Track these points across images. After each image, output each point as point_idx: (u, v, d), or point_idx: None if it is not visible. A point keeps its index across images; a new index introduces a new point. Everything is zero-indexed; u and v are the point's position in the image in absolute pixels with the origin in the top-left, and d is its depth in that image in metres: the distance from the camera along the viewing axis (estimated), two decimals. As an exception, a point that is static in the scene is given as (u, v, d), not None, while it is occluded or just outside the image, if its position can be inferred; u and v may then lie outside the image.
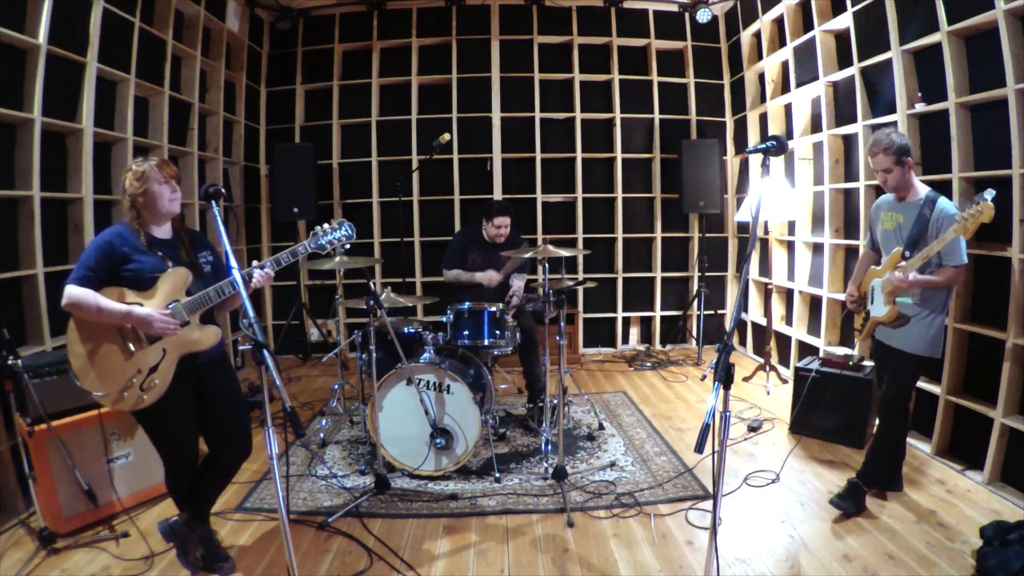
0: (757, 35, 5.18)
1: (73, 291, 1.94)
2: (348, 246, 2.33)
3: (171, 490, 2.30)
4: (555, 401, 3.34)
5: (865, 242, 2.99)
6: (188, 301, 2.08)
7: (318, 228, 2.29)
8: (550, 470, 2.99)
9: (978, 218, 2.21)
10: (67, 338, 2.01)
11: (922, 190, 2.58)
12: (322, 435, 3.58)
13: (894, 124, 3.48)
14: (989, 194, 2.21)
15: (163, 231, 2.16)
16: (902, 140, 2.52)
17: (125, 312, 1.97)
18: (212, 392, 2.22)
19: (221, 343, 2.22)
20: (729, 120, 5.79)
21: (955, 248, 2.40)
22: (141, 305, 2.01)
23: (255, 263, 2.17)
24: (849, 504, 2.60)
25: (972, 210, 2.24)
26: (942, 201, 2.49)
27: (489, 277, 3.78)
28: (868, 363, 3.57)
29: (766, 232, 5.03)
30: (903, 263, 2.48)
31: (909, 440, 3.39)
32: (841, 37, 4.11)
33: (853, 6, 3.76)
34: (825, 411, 3.43)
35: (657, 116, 5.69)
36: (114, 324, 2.00)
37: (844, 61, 4.04)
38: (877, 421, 2.74)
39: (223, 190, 2.04)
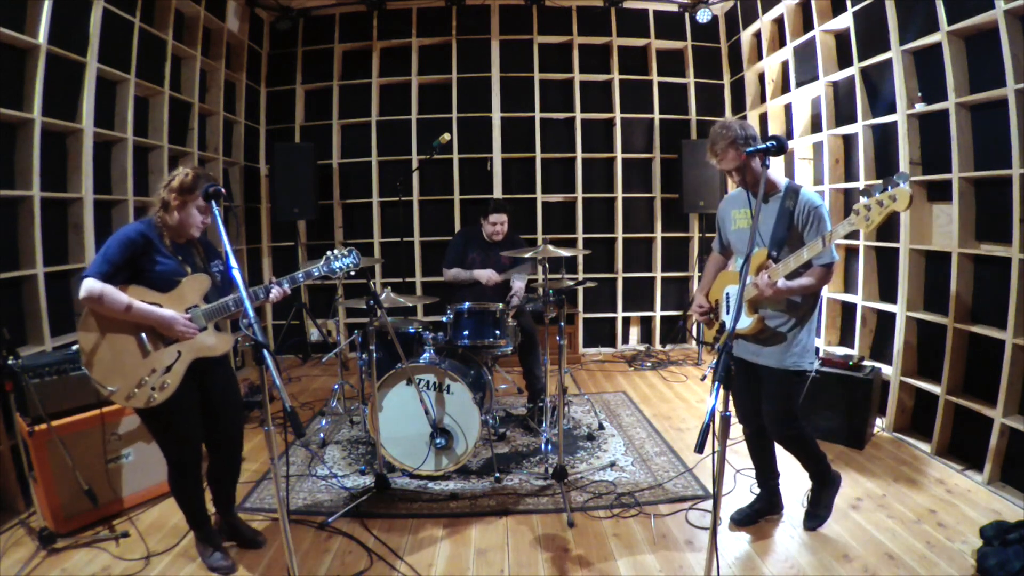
0: (757, 35, 5.18)
1: (94, 285, 1.94)
2: (353, 273, 2.43)
3: (173, 490, 2.30)
4: (555, 401, 3.34)
5: (713, 245, 2.65)
6: (207, 308, 2.13)
7: (329, 253, 2.38)
8: (550, 470, 2.98)
9: (889, 207, 1.83)
10: (80, 330, 2.02)
11: (781, 181, 2.29)
12: (322, 435, 3.57)
13: (894, 124, 3.48)
14: (902, 178, 1.82)
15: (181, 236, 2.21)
16: (747, 130, 2.21)
17: (148, 312, 2.00)
18: (212, 390, 2.25)
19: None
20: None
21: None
22: (160, 306, 2.04)
23: (272, 279, 2.24)
24: (822, 515, 2.51)
25: (878, 197, 1.85)
26: (805, 191, 2.23)
27: (488, 275, 3.78)
28: (868, 363, 3.57)
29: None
30: (772, 266, 2.18)
31: (909, 440, 3.40)
32: (841, 37, 4.11)
33: (853, 6, 3.76)
34: (825, 411, 3.42)
35: (657, 116, 5.69)
36: (134, 322, 2.02)
37: (844, 61, 4.04)
38: (788, 450, 2.47)
39: (223, 190, 2.06)
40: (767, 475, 2.62)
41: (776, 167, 4.79)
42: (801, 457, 2.49)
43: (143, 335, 2.05)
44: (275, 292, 2.21)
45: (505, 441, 3.54)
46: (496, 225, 3.83)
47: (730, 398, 1.64)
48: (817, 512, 2.54)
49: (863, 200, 1.90)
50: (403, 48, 5.59)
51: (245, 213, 5.50)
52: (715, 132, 2.25)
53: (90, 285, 1.94)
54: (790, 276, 2.18)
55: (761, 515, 2.60)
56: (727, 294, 2.45)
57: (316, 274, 2.34)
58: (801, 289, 2.20)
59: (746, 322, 2.31)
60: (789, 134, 4.73)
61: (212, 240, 2.40)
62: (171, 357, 2.08)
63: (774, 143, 1.99)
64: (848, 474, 2.88)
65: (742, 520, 2.57)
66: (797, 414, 2.39)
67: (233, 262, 1.89)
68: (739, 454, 3.29)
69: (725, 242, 2.56)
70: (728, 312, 2.44)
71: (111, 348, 2.02)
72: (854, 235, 3.97)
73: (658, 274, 5.77)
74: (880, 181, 1.87)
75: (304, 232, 5.69)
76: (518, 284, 3.81)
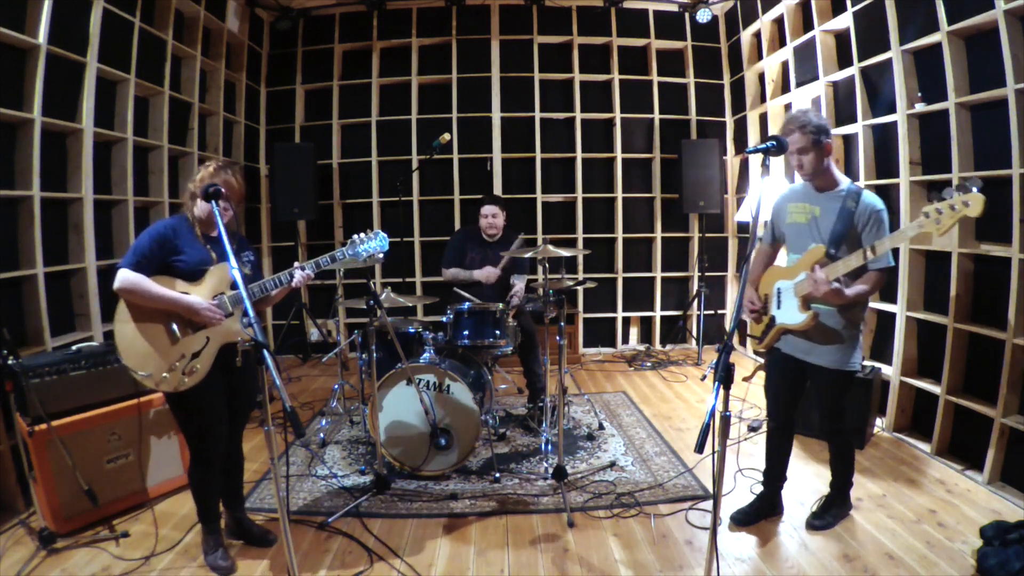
0: (757, 35, 5.18)
1: (127, 275, 2.04)
2: (381, 257, 2.42)
3: (193, 482, 2.31)
4: (555, 401, 3.33)
5: (762, 236, 2.63)
6: (233, 294, 2.19)
7: (355, 236, 2.38)
8: (550, 470, 2.98)
9: (962, 212, 1.84)
10: (115, 319, 2.10)
11: (843, 181, 2.32)
12: (322, 435, 3.57)
13: (894, 124, 3.49)
14: (975, 184, 1.84)
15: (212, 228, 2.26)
16: (820, 120, 2.24)
17: (174, 298, 2.08)
18: (234, 383, 2.29)
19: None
20: (729, 120, 5.79)
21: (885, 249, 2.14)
22: (188, 295, 2.12)
23: (296, 264, 2.29)
24: (827, 523, 2.53)
25: (951, 201, 1.86)
26: (867, 194, 2.25)
27: (487, 274, 3.78)
28: (868, 363, 3.57)
29: (766, 232, 5.02)
30: (828, 264, 2.20)
31: (909, 440, 3.40)
32: (841, 37, 4.11)
33: (853, 6, 3.76)
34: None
35: (657, 116, 5.69)
36: (163, 309, 2.10)
37: (844, 61, 4.04)
38: (830, 445, 2.54)
39: (223, 190, 2.07)
40: (775, 475, 2.63)
41: (777, 166, 4.79)
42: (837, 458, 2.53)
43: (173, 323, 2.12)
44: (299, 276, 2.26)
45: (505, 441, 3.54)
46: (488, 218, 3.82)
47: (730, 397, 1.64)
48: (824, 518, 2.55)
49: (934, 204, 1.90)
50: (403, 48, 5.59)
51: (245, 213, 5.49)
52: (792, 114, 2.28)
53: (123, 275, 2.03)
54: (848, 276, 2.22)
55: (762, 515, 2.61)
56: (778, 289, 2.43)
57: (341, 258, 2.36)
58: (856, 296, 2.22)
59: (799, 318, 2.32)
60: (789, 134, 4.72)
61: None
62: (200, 343, 2.15)
63: (774, 143, 1.99)
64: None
65: (742, 520, 2.58)
66: (846, 411, 2.45)
67: (233, 262, 1.91)
68: (739, 454, 3.29)
69: (777, 234, 2.55)
70: (779, 307, 2.43)
71: (143, 335, 2.10)
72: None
73: (658, 274, 5.77)
74: (951, 186, 1.89)
75: (304, 232, 5.70)
76: (518, 284, 3.81)
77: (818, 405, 2.44)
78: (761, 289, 2.53)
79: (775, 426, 2.59)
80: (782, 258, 2.56)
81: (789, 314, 2.37)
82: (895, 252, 2.53)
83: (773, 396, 2.57)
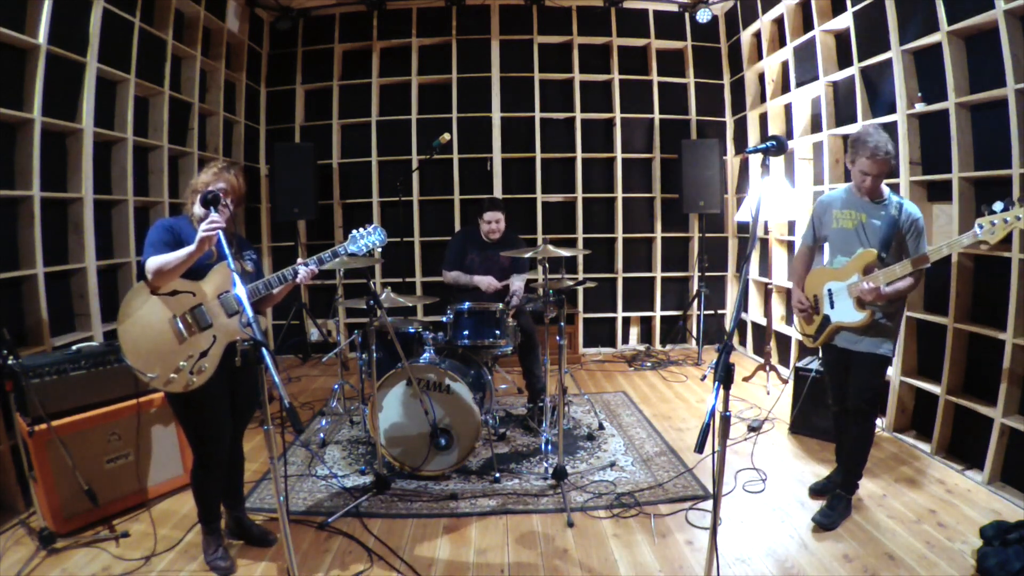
0: (757, 35, 5.18)
1: (153, 260, 2.04)
2: (380, 250, 2.47)
3: (195, 484, 2.30)
4: (555, 401, 3.33)
5: (804, 238, 2.82)
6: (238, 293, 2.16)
7: (355, 232, 2.43)
8: (550, 470, 2.99)
9: (1013, 224, 2.11)
10: (119, 321, 2.08)
11: (886, 191, 2.52)
12: (322, 435, 3.57)
13: (894, 124, 3.49)
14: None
15: None
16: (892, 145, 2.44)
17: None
18: (235, 384, 2.28)
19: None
20: (729, 120, 5.79)
21: (926, 251, 2.37)
22: (193, 294, 2.13)
23: (299, 260, 2.31)
24: (835, 517, 2.55)
25: (1004, 215, 2.12)
26: (908, 204, 2.46)
27: (488, 282, 3.78)
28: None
29: (766, 232, 5.02)
30: (876, 272, 2.41)
31: (909, 440, 3.40)
32: (841, 37, 4.11)
33: (853, 6, 3.76)
34: (825, 411, 3.41)
35: (657, 116, 5.69)
36: (190, 264, 2.06)
37: (844, 61, 4.04)
38: (850, 425, 2.63)
39: (221, 194, 2.07)
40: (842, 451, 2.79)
41: (776, 167, 4.80)
42: (855, 443, 2.60)
43: (177, 321, 2.11)
44: (303, 272, 2.27)
45: (505, 441, 3.54)
46: (491, 223, 3.83)
47: (730, 397, 1.65)
48: (830, 516, 2.56)
49: (987, 216, 2.16)
50: (403, 48, 5.59)
51: (245, 213, 5.49)
52: (879, 143, 2.39)
53: (152, 263, 2.04)
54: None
55: (836, 486, 2.70)
56: (828, 290, 2.61)
57: (342, 253, 2.38)
58: (895, 293, 2.42)
59: (857, 316, 2.52)
60: (789, 134, 4.73)
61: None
62: (207, 342, 2.15)
63: (774, 143, 1.99)
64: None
65: (820, 490, 2.79)
66: (879, 394, 2.66)
67: (231, 263, 1.91)
68: (739, 454, 3.29)
69: (819, 236, 2.73)
70: (831, 307, 2.61)
71: (149, 336, 2.09)
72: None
73: (658, 274, 5.77)
74: (1002, 201, 2.16)
75: (304, 232, 5.69)
76: (517, 284, 3.81)
77: (855, 387, 2.58)
78: (808, 290, 2.70)
79: (837, 409, 2.75)
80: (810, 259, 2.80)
81: (845, 313, 2.55)
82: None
83: (835, 385, 2.74)
